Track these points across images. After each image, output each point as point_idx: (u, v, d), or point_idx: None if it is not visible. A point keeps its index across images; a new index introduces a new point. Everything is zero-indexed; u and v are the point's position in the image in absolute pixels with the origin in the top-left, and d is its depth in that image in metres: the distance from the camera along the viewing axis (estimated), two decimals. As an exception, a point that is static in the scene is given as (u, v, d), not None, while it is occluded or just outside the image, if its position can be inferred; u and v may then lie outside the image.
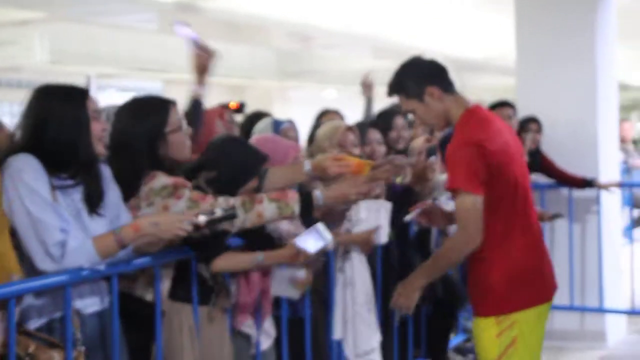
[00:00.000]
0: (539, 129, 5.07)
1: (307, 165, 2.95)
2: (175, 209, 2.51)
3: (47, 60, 8.89)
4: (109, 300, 2.45)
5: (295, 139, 3.80)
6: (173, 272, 2.72)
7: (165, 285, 2.69)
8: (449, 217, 2.95)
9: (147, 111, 2.67)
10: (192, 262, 2.70)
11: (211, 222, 2.37)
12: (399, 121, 4.19)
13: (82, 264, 2.27)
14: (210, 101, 4.73)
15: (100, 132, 2.42)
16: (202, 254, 2.65)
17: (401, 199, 3.47)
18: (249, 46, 11.98)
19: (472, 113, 2.68)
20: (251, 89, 14.21)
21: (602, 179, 5.18)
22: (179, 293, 2.71)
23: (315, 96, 15.63)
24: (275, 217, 2.63)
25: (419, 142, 4.25)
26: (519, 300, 2.62)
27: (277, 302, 3.10)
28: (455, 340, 4.59)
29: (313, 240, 2.70)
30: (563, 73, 5.25)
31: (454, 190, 2.60)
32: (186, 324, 2.68)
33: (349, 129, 3.46)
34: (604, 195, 5.22)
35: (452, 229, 3.91)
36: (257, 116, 3.92)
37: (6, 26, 8.60)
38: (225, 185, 2.72)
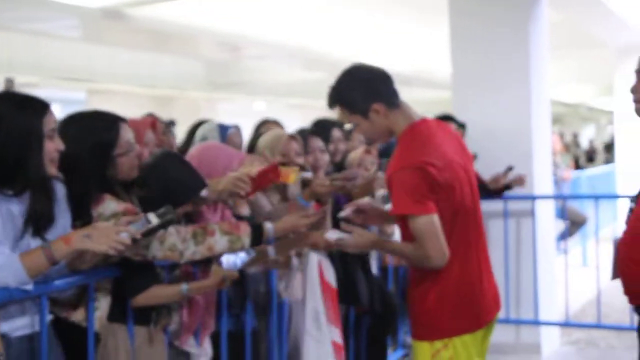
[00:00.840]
0: (462, 135, 5.06)
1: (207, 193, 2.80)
2: None
3: (-37, 68, 8.50)
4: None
5: (240, 145, 3.67)
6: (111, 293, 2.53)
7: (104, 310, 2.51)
8: (385, 216, 2.88)
9: (95, 131, 2.46)
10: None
11: (148, 233, 2.25)
12: (336, 133, 4.11)
13: (9, 283, 2.08)
14: (136, 112, 4.56)
15: (53, 153, 2.21)
16: (127, 289, 2.50)
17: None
18: (177, 56, 11.75)
19: (415, 130, 2.57)
20: (179, 100, 13.96)
21: (536, 190, 5.21)
22: (116, 314, 2.52)
23: (245, 108, 15.49)
24: (225, 250, 2.60)
25: (358, 153, 4.17)
26: (453, 327, 2.54)
27: (217, 314, 2.98)
28: (394, 355, 4.50)
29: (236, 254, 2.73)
30: (498, 86, 5.28)
31: (403, 217, 2.51)
32: (122, 347, 2.50)
33: (292, 137, 3.35)
34: (539, 207, 5.25)
35: (389, 228, 3.86)
36: (202, 125, 3.75)
37: None
38: (157, 206, 2.56)
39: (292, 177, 2.97)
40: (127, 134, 2.51)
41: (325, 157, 3.69)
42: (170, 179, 2.65)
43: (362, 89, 2.57)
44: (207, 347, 2.94)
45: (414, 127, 2.57)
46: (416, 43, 10.18)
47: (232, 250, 2.60)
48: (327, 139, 4.01)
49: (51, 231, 2.22)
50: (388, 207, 3.51)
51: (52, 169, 2.22)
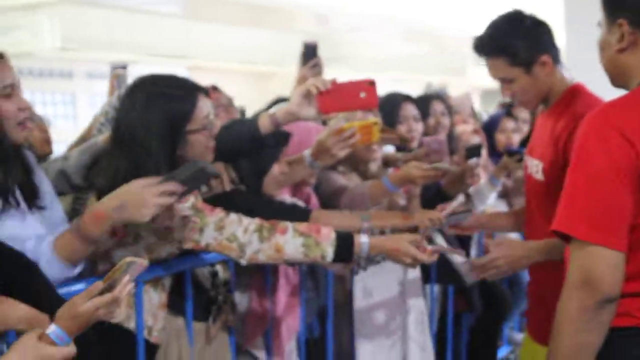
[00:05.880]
0: None
1: (308, 156, 2.36)
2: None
3: (59, 47, 8.46)
4: None
5: None
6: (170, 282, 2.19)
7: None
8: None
9: (168, 99, 2.03)
10: (186, 272, 2.21)
11: (187, 181, 1.84)
12: (438, 107, 3.64)
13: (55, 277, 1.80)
14: (236, 89, 4.29)
15: (15, 113, 1.82)
16: None
17: (434, 196, 2.92)
18: (275, 31, 11.52)
19: (584, 92, 2.19)
20: (277, 77, 13.74)
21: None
22: (176, 304, 2.18)
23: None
24: (298, 256, 2.05)
25: (466, 130, 3.74)
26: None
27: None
28: (499, 352, 4.06)
29: None
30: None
31: None
32: (186, 352, 2.18)
33: None
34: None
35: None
36: (281, 101, 3.38)
37: (14, 10, 8.19)
38: (248, 177, 2.25)
39: (374, 132, 2.34)
40: (205, 107, 2.08)
41: (420, 127, 3.27)
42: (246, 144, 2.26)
43: (529, 38, 2.18)
44: (291, 354, 2.58)
45: (580, 89, 2.20)
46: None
47: (307, 258, 2.05)
48: (426, 112, 3.57)
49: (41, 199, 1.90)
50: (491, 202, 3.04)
51: (18, 133, 1.84)
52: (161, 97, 2.03)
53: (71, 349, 1.46)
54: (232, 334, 2.38)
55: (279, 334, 2.53)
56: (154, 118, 2.00)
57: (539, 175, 2.19)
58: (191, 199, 2.04)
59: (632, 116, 1.56)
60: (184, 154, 2.06)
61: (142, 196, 1.79)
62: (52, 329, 1.45)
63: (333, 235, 2.05)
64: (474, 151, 2.98)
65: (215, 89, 3.37)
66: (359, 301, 2.69)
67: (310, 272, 2.68)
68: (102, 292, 1.49)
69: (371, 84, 2.19)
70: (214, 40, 11.21)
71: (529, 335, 2.35)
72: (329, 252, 2.04)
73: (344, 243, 2.05)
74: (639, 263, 1.56)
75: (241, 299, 2.49)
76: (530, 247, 2.18)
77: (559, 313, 1.59)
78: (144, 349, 2.08)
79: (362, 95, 2.17)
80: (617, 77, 1.73)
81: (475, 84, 12.26)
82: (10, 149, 1.82)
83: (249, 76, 13.76)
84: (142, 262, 1.54)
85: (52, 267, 1.80)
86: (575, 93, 2.19)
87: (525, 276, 3.96)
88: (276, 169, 2.38)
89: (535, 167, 2.22)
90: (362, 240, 2.08)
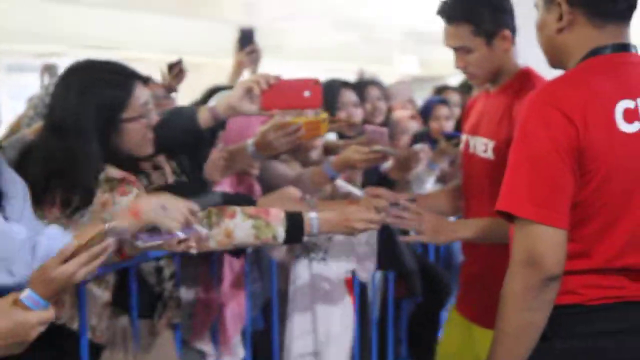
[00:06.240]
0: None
1: (250, 145, 2.35)
2: (115, 208, 1.92)
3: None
4: None
5: None
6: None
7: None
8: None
9: (103, 86, 1.98)
10: (130, 269, 2.19)
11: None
12: (374, 92, 3.71)
13: None
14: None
15: None
16: None
17: (378, 182, 2.98)
18: (204, 21, 11.41)
19: (537, 75, 2.20)
20: (208, 67, 13.63)
21: None
22: (121, 302, 2.15)
23: (276, 74, 15.11)
24: (249, 239, 2.02)
25: (403, 115, 3.82)
26: None
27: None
28: (438, 334, 4.16)
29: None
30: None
31: None
32: (132, 350, 2.16)
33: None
34: None
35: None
36: (217, 91, 3.34)
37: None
38: (188, 168, 2.24)
39: (322, 127, 2.33)
40: (143, 96, 2.04)
41: (359, 113, 3.32)
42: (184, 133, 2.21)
43: (493, 9, 2.18)
44: (236, 347, 2.60)
45: (532, 72, 2.22)
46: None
47: (259, 240, 2.01)
48: (362, 98, 3.62)
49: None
50: (429, 186, 3.10)
51: None
52: (96, 83, 1.98)
53: (49, 313, 1.42)
54: (177, 329, 2.38)
55: (225, 327, 2.54)
56: (88, 104, 1.95)
57: (488, 154, 2.19)
58: (134, 191, 1.97)
59: (572, 95, 1.61)
60: (119, 143, 2.03)
61: (179, 205, 1.78)
62: (26, 294, 1.41)
63: (282, 215, 2.03)
64: (420, 137, 3.06)
65: (149, 80, 3.31)
66: (292, 285, 2.73)
67: (256, 261, 2.70)
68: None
69: (316, 83, 2.18)
70: (144, 31, 11.03)
71: (462, 315, 2.37)
72: (280, 232, 2.02)
73: (294, 222, 2.04)
74: (581, 240, 1.63)
75: (187, 294, 2.49)
76: (458, 222, 2.22)
77: (504, 293, 1.63)
78: (88, 350, 2.05)
79: (306, 94, 2.16)
80: (555, 58, 1.78)
81: (402, 73, 12.42)
82: None
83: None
84: (127, 226, 1.53)
85: None
86: (529, 74, 2.22)
87: (459, 258, 4.08)
88: (215, 154, 2.37)
89: (483, 145, 2.22)
90: (312, 216, 2.06)
